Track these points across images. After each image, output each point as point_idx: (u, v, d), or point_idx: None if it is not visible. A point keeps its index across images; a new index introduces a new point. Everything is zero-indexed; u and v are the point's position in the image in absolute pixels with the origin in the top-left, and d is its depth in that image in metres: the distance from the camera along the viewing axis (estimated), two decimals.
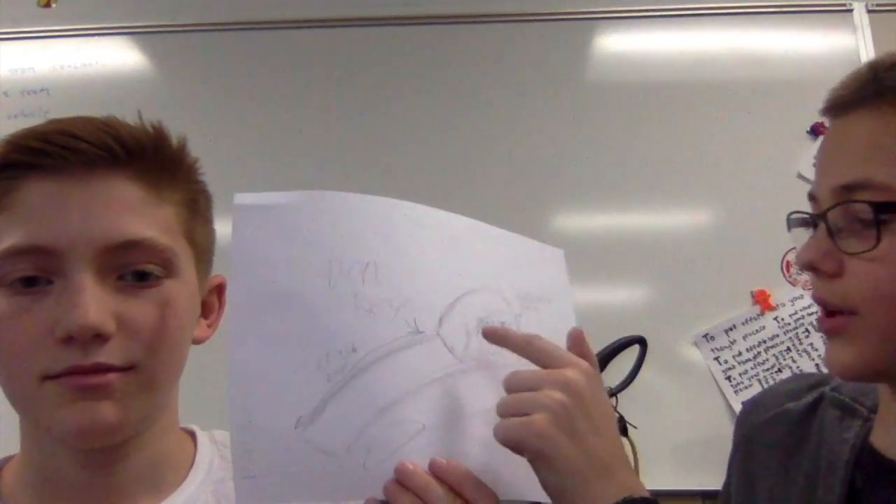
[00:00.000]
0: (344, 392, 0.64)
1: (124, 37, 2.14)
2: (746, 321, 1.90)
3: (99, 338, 0.61)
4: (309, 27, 2.13)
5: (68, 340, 0.61)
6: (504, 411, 0.65)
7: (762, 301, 1.90)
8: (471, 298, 0.71)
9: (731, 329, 1.90)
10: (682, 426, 1.84)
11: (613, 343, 1.68)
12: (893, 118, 0.65)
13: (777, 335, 1.89)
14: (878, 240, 0.63)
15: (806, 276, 1.86)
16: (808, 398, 0.81)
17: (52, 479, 0.67)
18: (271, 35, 2.13)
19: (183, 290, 0.68)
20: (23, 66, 2.12)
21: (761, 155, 1.95)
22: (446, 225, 0.72)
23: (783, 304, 1.89)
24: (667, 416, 1.84)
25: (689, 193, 2.00)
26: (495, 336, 0.69)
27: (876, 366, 0.66)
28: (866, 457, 0.72)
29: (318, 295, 0.65)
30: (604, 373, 1.55)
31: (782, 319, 1.89)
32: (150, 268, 0.65)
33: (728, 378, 1.88)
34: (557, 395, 0.62)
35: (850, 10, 2.07)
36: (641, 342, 1.71)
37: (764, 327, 1.90)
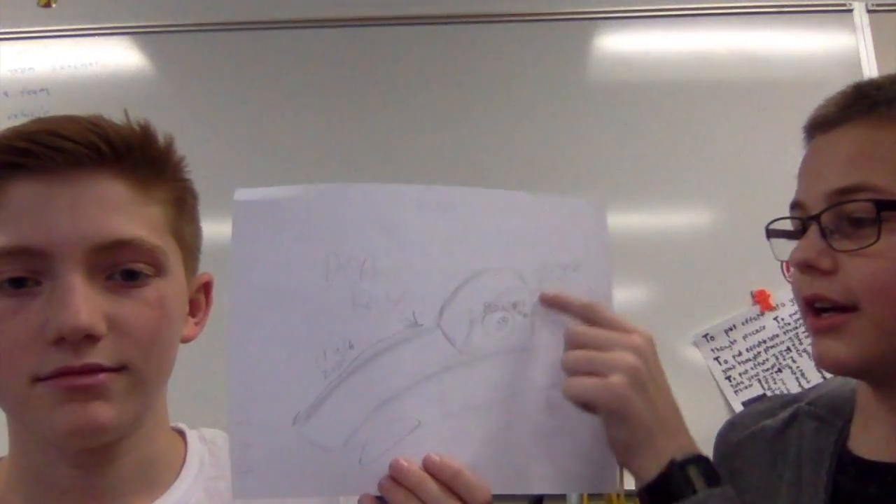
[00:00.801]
0: (340, 389, 0.65)
1: (124, 37, 2.14)
2: (746, 321, 1.90)
3: (90, 338, 0.61)
4: (309, 27, 2.13)
5: (59, 341, 0.61)
6: (574, 367, 0.67)
7: (762, 301, 1.90)
8: (477, 282, 0.70)
9: (731, 329, 1.90)
10: None
11: None
12: (886, 127, 0.69)
13: (777, 335, 1.89)
14: (879, 236, 0.67)
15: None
16: (784, 414, 0.84)
17: (42, 480, 0.67)
18: (271, 35, 2.13)
19: (172, 288, 0.68)
20: (23, 66, 2.12)
21: (761, 155, 1.95)
22: (453, 202, 0.70)
23: (783, 304, 1.89)
24: None
25: (689, 193, 2.00)
26: (553, 301, 0.71)
27: (871, 361, 0.69)
28: (847, 462, 0.74)
29: (316, 291, 0.66)
30: None
31: (782, 319, 1.89)
32: (140, 267, 0.65)
33: (728, 378, 1.88)
34: (630, 358, 0.66)
35: (850, 10, 2.07)
36: None
37: (764, 327, 1.90)
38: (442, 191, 0.70)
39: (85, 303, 0.61)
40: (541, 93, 2.06)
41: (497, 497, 0.66)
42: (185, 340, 0.73)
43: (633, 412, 0.65)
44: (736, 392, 1.86)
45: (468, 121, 2.05)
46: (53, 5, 2.17)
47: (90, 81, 2.10)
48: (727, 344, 1.89)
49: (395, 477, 0.64)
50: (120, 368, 0.63)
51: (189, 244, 0.72)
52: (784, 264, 0.79)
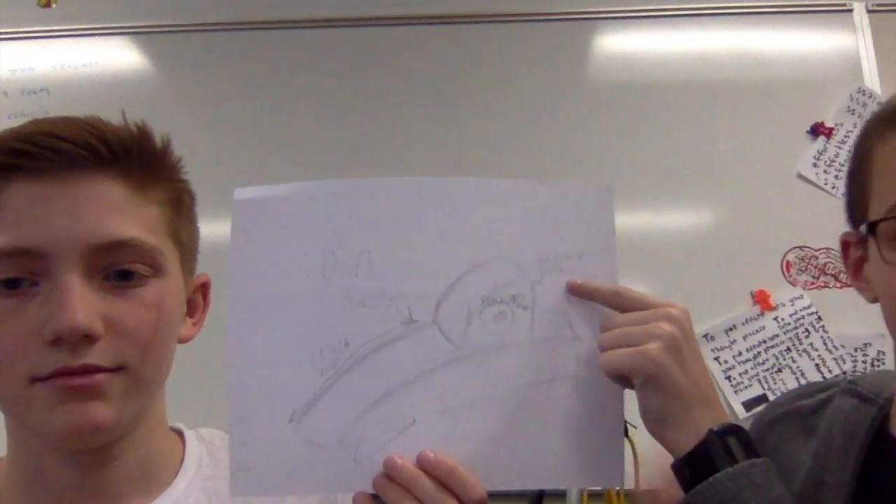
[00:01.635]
0: (336, 387, 0.66)
1: (124, 37, 2.14)
2: (746, 321, 1.90)
3: (87, 339, 0.61)
4: (309, 27, 2.13)
5: (57, 342, 0.61)
6: (610, 343, 0.67)
7: (762, 301, 1.90)
8: (475, 275, 0.69)
9: (731, 329, 1.90)
10: None
11: None
12: None
13: (777, 335, 1.89)
14: None
15: (806, 277, 1.86)
16: (822, 396, 0.82)
17: (41, 480, 0.67)
18: (271, 35, 2.13)
19: (170, 289, 0.68)
20: (23, 66, 2.12)
21: (761, 155, 1.95)
22: (449, 193, 0.70)
23: (783, 304, 1.89)
24: None
25: (689, 193, 2.00)
26: (581, 290, 0.70)
27: None
28: (886, 444, 0.72)
29: (313, 290, 0.67)
30: None
31: (782, 319, 1.89)
32: (137, 267, 0.65)
33: (728, 378, 1.88)
34: (667, 326, 0.65)
35: (850, 10, 2.07)
36: None
37: (764, 327, 1.90)
38: (437, 182, 0.70)
39: (82, 303, 0.61)
40: (541, 93, 2.06)
41: (497, 494, 0.66)
42: (183, 341, 0.72)
43: (670, 380, 0.64)
44: (736, 392, 1.86)
45: (468, 121, 2.05)
46: (53, 5, 2.17)
47: (90, 81, 2.10)
48: (727, 344, 1.89)
49: (390, 474, 0.64)
50: (117, 369, 0.63)
51: (187, 245, 0.72)
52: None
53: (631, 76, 2.07)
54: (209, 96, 2.09)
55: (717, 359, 1.89)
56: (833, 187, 1.91)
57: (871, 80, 1.99)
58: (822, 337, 1.87)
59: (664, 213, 2.01)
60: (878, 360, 1.85)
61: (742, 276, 1.90)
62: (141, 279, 0.65)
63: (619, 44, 2.11)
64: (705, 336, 1.89)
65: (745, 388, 1.86)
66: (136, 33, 2.14)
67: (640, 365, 0.64)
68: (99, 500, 0.68)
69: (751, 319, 1.90)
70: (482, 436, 0.67)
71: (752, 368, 1.88)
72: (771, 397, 1.83)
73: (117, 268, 0.64)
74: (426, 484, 0.63)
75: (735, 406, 1.84)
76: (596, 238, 0.71)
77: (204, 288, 0.76)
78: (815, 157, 1.93)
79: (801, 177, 1.89)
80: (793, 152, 1.94)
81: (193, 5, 2.15)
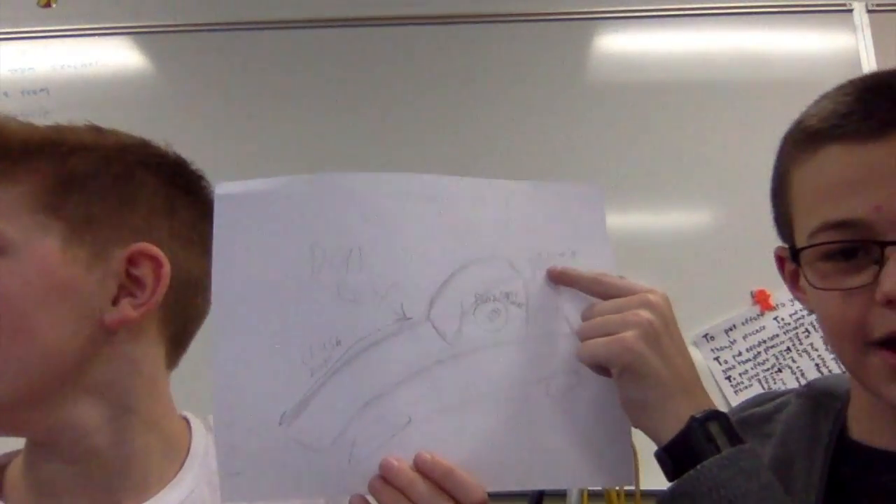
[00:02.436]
0: (328, 387, 0.64)
1: (124, 37, 2.14)
2: (746, 321, 1.90)
3: None
4: (309, 27, 2.13)
5: None
6: (588, 333, 0.65)
7: (762, 301, 1.90)
8: (467, 273, 0.67)
9: (731, 329, 1.90)
10: None
11: None
12: None
13: (777, 335, 1.89)
14: None
15: None
16: (773, 404, 0.81)
17: (35, 476, 0.68)
18: (271, 35, 2.13)
19: (14, 268, 0.63)
20: (23, 66, 2.12)
21: (761, 155, 1.94)
22: (439, 191, 0.68)
23: (783, 304, 1.89)
24: None
25: (689, 193, 2.00)
26: (560, 277, 0.69)
27: None
28: (849, 448, 0.72)
29: (302, 286, 0.64)
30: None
31: (782, 319, 1.89)
32: None
33: (728, 378, 1.88)
34: (644, 314, 0.63)
35: (850, 10, 2.07)
36: None
37: (764, 327, 1.90)
38: (428, 179, 0.68)
39: None
40: (541, 93, 2.06)
41: (497, 494, 0.64)
42: (122, 324, 0.67)
43: (647, 368, 0.62)
44: (736, 392, 1.86)
45: (468, 121, 2.05)
46: (53, 5, 2.17)
47: (90, 81, 2.10)
48: (727, 344, 1.89)
49: (386, 476, 0.62)
50: None
51: (82, 217, 0.67)
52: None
53: (631, 76, 2.07)
54: (209, 96, 2.09)
55: (717, 359, 1.89)
56: None
57: None
58: (822, 337, 1.86)
59: (664, 213, 2.01)
60: None
61: (742, 276, 1.89)
62: None
63: (619, 44, 2.11)
64: (705, 336, 1.89)
65: (745, 388, 1.86)
66: (136, 33, 2.14)
67: (616, 354, 0.63)
68: (94, 498, 0.67)
69: (751, 319, 1.90)
70: (480, 435, 0.65)
71: (752, 368, 1.88)
72: None
73: None
74: (423, 487, 0.62)
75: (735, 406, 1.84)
76: (589, 237, 0.71)
77: (153, 261, 0.68)
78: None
79: None
80: None
81: (193, 5, 2.15)
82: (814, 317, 0.80)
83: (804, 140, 0.71)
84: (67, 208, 0.66)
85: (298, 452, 0.63)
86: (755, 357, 1.89)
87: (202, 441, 0.74)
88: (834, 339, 0.69)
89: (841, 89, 0.70)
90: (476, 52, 2.10)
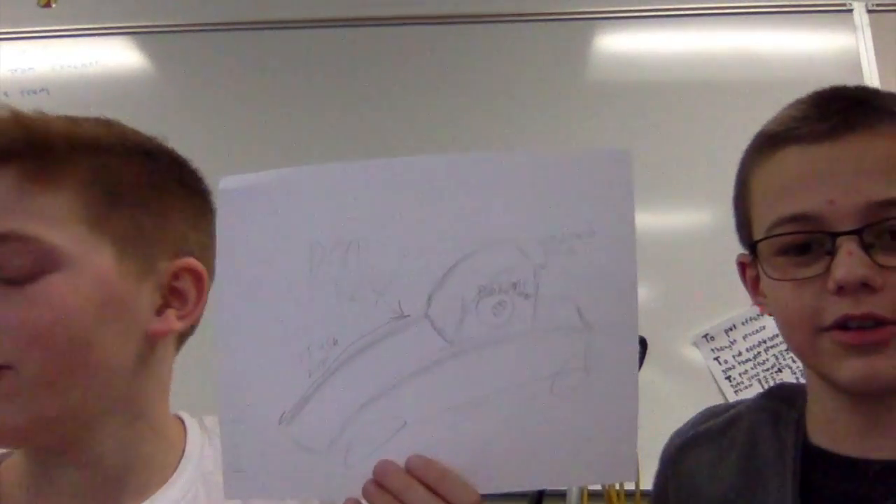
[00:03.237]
0: (325, 388, 0.63)
1: (124, 37, 2.14)
2: (746, 321, 1.90)
3: None
4: (309, 27, 2.13)
5: None
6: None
7: None
8: (471, 262, 0.63)
9: (731, 329, 1.90)
10: None
11: None
12: None
13: (777, 335, 1.89)
14: None
15: None
16: (727, 415, 0.82)
17: (41, 480, 0.68)
18: (271, 35, 2.13)
19: (72, 282, 0.62)
20: (23, 66, 2.12)
21: None
22: (441, 174, 0.63)
23: None
24: (667, 416, 1.83)
25: (689, 193, 2.00)
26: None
27: None
28: (814, 456, 0.72)
29: (300, 284, 0.63)
30: None
31: None
32: (17, 263, 0.61)
33: (728, 378, 1.88)
34: None
35: (850, 10, 2.07)
36: (641, 342, 1.70)
37: (764, 327, 1.89)
38: (423, 161, 0.64)
39: None
40: (541, 93, 2.06)
41: (497, 494, 0.64)
42: (162, 334, 0.67)
43: None
44: (736, 392, 1.86)
45: (468, 121, 2.05)
46: (53, 5, 2.17)
47: (90, 81, 2.10)
48: (727, 344, 1.89)
49: (380, 480, 0.61)
50: (4, 368, 0.61)
51: (125, 231, 0.66)
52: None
53: (631, 76, 2.07)
54: (209, 96, 2.09)
55: (717, 359, 1.88)
56: None
57: (871, 80, 1.99)
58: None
59: (664, 213, 2.01)
60: None
61: None
62: (31, 275, 0.61)
63: (619, 44, 2.11)
64: (705, 336, 1.89)
65: (746, 388, 1.86)
66: (136, 33, 2.14)
67: None
68: (92, 498, 0.67)
69: (751, 319, 1.90)
70: (480, 436, 0.64)
71: (752, 368, 1.88)
72: None
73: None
74: (418, 491, 0.61)
75: None
76: (610, 212, 0.63)
77: (194, 275, 0.69)
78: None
79: None
80: None
81: (193, 5, 2.15)
82: None
83: (763, 144, 0.77)
84: (112, 222, 0.65)
85: (296, 454, 0.63)
86: (755, 357, 1.89)
87: (197, 441, 0.74)
88: (787, 329, 0.72)
89: (799, 100, 0.76)
90: (476, 52, 2.10)
